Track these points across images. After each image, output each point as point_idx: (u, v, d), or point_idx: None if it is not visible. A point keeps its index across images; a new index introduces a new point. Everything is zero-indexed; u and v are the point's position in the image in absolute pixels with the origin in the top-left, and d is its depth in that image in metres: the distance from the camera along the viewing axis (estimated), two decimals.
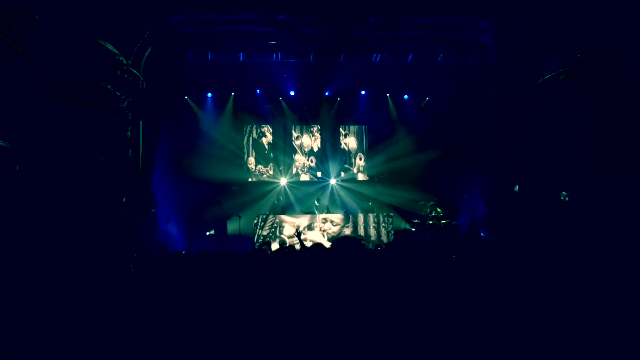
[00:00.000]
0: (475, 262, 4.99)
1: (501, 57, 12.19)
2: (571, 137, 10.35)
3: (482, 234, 13.17)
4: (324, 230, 13.73)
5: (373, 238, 13.86)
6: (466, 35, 13.09)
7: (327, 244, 13.04)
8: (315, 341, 3.85)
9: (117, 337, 4.37)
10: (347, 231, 13.85)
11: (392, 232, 14.07)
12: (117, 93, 9.94)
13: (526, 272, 4.34)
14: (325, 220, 13.82)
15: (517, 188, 11.33)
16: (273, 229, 13.56)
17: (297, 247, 7.48)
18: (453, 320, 3.56)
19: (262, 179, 16.29)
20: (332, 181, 16.39)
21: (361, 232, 13.87)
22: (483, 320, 3.59)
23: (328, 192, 16.21)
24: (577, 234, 8.94)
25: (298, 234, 7.80)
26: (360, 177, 16.74)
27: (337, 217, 14.11)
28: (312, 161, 16.58)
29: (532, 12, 10.97)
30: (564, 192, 10.80)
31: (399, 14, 11.95)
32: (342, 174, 16.64)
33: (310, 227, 13.64)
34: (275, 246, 8.71)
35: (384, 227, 14.02)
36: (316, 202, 15.32)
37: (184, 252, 10.85)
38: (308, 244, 9.24)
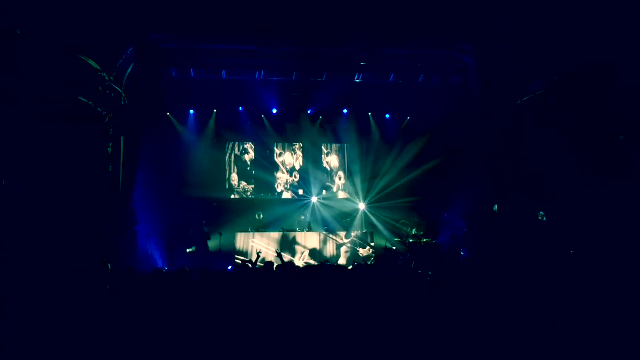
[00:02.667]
0: (454, 280, 5.04)
1: (481, 78, 12.39)
2: (549, 156, 10.54)
3: (462, 253, 13.26)
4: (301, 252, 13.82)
5: (354, 256, 13.90)
6: (446, 55, 13.30)
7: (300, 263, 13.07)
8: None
9: (94, 354, 4.32)
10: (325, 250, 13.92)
11: (373, 250, 14.11)
12: (99, 109, 9.92)
13: (504, 290, 4.40)
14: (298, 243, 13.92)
15: (495, 207, 11.47)
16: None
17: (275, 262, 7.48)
18: (430, 338, 3.59)
19: (245, 196, 16.27)
20: (314, 199, 16.41)
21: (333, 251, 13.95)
22: (460, 339, 3.63)
23: (309, 209, 16.22)
24: (556, 252, 9.07)
25: (279, 254, 7.84)
26: (341, 195, 16.79)
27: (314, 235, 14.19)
28: (295, 177, 16.61)
29: (511, 35, 11.21)
30: (541, 212, 10.97)
31: (381, 39, 12.14)
32: (324, 191, 16.68)
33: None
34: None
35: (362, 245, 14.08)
36: (302, 217, 15.35)
37: (164, 270, 10.77)
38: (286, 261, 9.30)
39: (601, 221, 8.65)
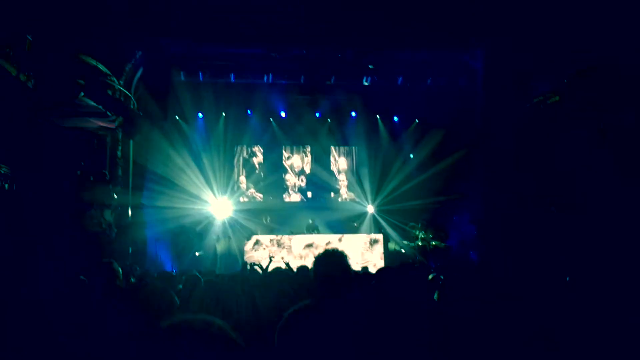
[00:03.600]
0: (465, 283, 5.00)
1: (490, 81, 12.35)
2: (561, 158, 10.46)
3: (472, 255, 13.20)
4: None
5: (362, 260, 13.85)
6: (455, 58, 13.27)
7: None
8: None
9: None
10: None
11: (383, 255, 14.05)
12: (108, 113, 9.96)
13: (516, 294, 4.35)
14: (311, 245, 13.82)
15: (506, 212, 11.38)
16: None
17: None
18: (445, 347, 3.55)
19: (254, 200, 16.29)
20: (323, 202, 16.38)
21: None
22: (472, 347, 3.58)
23: (318, 212, 16.16)
24: (569, 257, 8.97)
25: (287, 264, 7.82)
26: (349, 197, 16.76)
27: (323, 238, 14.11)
28: (302, 180, 16.60)
29: (519, 37, 11.15)
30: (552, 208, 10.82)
31: (390, 44, 12.14)
32: (332, 194, 16.65)
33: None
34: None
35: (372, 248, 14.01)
36: (310, 221, 15.28)
37: (173, 273, 10.77)
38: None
39: (618, 227, 8.54)
